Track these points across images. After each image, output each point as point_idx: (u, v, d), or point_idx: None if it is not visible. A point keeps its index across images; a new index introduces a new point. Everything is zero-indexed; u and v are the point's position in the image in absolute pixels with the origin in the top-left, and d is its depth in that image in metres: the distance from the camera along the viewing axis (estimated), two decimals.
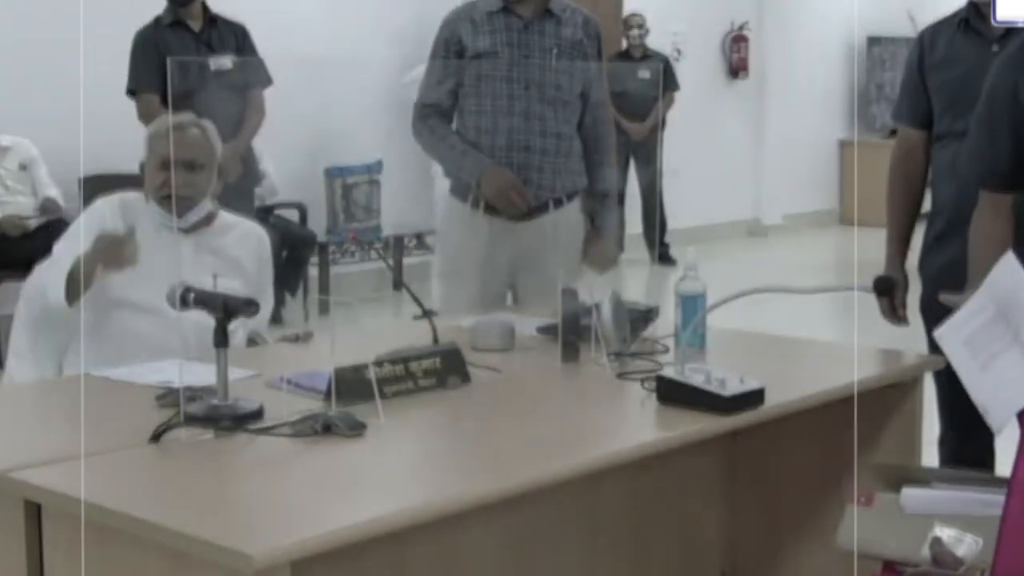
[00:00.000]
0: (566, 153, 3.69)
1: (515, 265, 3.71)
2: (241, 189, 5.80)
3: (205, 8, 5.69)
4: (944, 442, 3.35)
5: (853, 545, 2.17)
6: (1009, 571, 1.67)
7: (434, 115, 3.68)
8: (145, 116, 5.26)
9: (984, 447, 3.24)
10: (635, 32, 9.57)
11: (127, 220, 3.15)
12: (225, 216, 3.33)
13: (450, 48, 3.64)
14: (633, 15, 9.72)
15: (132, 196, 3.25)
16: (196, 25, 5.64)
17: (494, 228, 3.67)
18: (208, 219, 3.26)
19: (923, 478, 2.27)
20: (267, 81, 5.83)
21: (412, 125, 3.74)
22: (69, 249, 3.13)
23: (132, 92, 5.60)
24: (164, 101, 5.37)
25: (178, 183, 3.13)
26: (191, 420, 2.26)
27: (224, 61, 5.56)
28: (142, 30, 5.66)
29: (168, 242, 3.14)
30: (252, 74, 5.71)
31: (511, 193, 3.57)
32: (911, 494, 2.18)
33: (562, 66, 3.62)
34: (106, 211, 3.21)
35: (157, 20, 5.67)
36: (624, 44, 9.74)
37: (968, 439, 3.23)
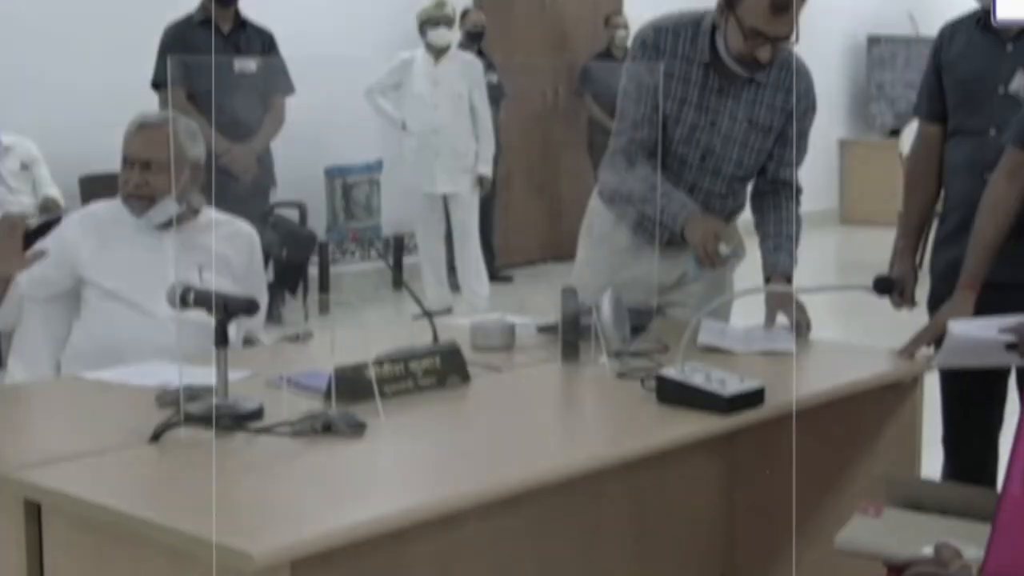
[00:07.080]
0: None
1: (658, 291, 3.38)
2: (256, 189, 5.83)
3: (236, 11, 5.74)
4: (947, 441, 3.34)
5: (853, 547, 2.18)
6: (1000, 566, 1.67)
7: (639, 151, 3.31)
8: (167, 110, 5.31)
9: (988, 447, 3.23)
10: (621, 33, 9.43)
11: (94, 230, 3.16)
12: (212, 214, 3.30)
13: (646, 93, 3.28)
14: (615, 15, 9.63)
15: (102, 205, 3.26)
16: (226, 26, 5.69)
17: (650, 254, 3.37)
18: (187, 216, 3.21)
19: (934, 500, 2.28)
20: (289, 88, 5.84)
21: (608, 159, 3.41)
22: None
23: (156, 85, 5.66)
24: (188, 97, 5.45)
25: (136, 182, 3.13)
26: (191, 419, 2.26)
27: (249, 63, 5.62)
28: (173, 25, 5.72)
29: (147, 239, 3.15)
30: (275, 80, 5.76)
31: (710, 244, 3.26)
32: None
33: (745, 140, 3.31)
34: (71, 223, 3.24)
35: (189, 17, 5.72)
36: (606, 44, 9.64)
37: (970, 441, 3.23)
